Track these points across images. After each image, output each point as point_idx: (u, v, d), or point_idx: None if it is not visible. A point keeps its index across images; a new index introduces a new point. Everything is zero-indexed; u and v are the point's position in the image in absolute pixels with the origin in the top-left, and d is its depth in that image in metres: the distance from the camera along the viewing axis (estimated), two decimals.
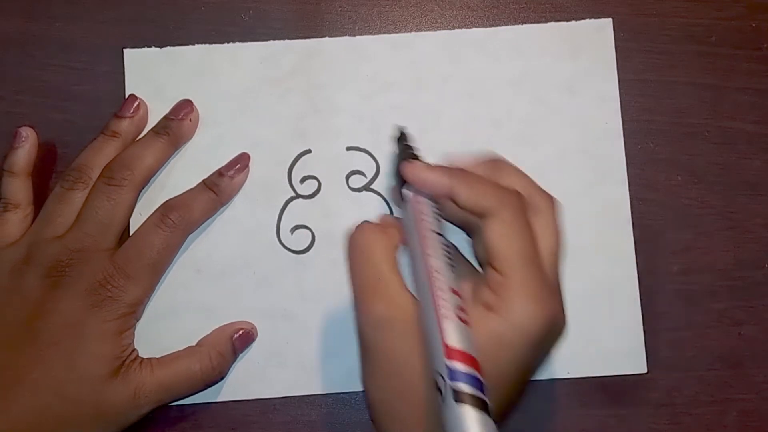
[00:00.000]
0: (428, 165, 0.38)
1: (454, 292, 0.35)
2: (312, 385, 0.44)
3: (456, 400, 0.31)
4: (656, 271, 0.45)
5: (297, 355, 0.44)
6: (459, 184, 0.37)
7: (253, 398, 0.44)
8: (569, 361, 0.44)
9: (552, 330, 0.36)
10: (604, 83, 0.46)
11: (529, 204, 0.38)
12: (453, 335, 0.33)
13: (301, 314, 0.44)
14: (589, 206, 0.45)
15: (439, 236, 0.37)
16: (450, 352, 0.32)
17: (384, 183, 0.46)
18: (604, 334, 0.44)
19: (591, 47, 0.47)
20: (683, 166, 0.46)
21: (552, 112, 0.46)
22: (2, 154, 0.45)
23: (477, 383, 0.32)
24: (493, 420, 0.31)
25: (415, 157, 0.40)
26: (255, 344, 0.44)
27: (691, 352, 0.45)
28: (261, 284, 0.45)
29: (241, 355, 0.44)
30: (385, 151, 0.46)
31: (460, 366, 0.32)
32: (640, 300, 0.45)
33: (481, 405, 0.31)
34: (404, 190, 0.39)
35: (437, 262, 0.35)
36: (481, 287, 0.36)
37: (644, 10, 0.47)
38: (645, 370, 0.44)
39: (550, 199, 0.39)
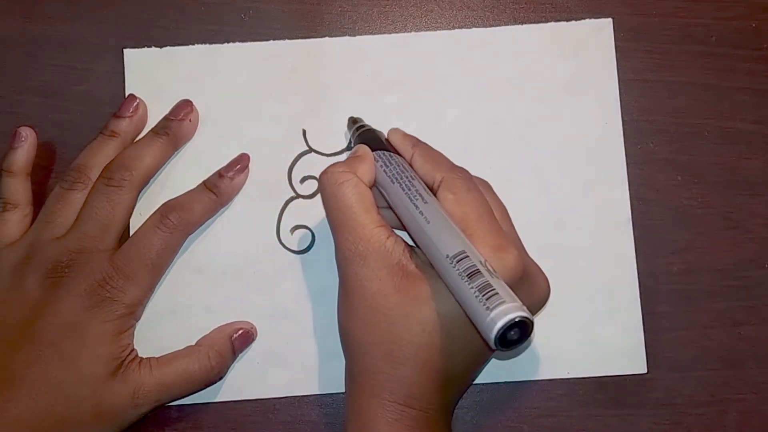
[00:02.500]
0: (404, 133, 0.43)
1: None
2: (312, 385, 0.44)
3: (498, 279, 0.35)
4: (656, 271, 0.45)
5: (297, 355, 0.44)
6: (418, 154, 0.41)
7: (253, 398, 0.44)
8: (569, 361, 0.44)
9: (519, 278, 0.37)
10: (604, 83, 0.46)
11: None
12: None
13: (301, 314, 0.44)
14: (589, 206, 0.45)
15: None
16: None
17: None
18: (604, 334, 0.44)
19: (591, 47, 0.47)
20: (683, 166, 0.46)
21: (552, 112, 0.46)
22: (2, 154, 0.45)
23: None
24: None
25: (374, 132, 0.44)
26: (255, 344, 0.44)
27: (691, 352, 0.45)
28: (261, 284, 0.45)
29: (241, 355, 0.44)
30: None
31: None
32: (640, 300, 0.45)
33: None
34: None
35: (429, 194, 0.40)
36: None
37: (644, 10, 0.47)
38: (645, 370, 0.44)
39: (487, 182, 0.43)
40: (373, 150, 0.42)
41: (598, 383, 0.44)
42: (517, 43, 0.47)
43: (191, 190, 0.44)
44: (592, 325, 0.44)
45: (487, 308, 0.33)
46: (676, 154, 0.46)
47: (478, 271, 0.35)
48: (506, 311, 0.33)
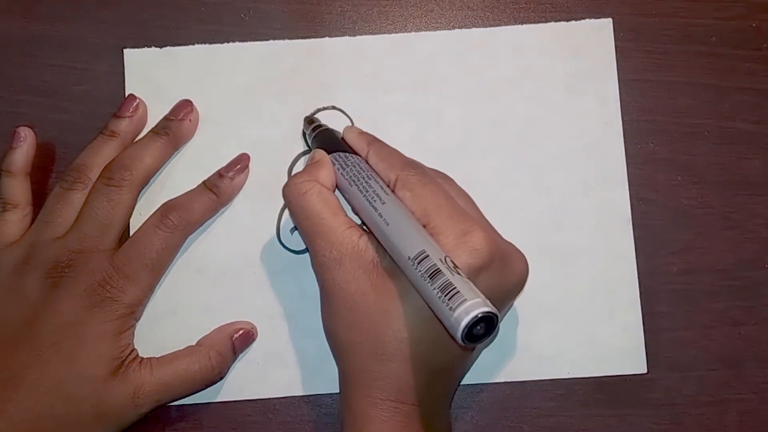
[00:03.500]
0: (359, 132, 0.44)
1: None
2: (312, 385, 0.44)
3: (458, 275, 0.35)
4: (656, 271, 0.45)
5: (297, 355, 0.44)
6: (373, 152, 0.42)
7: (253, 398, 0.44)
8: (569, 361, 0.44)
9: (491, 259, 0.38)
10: (604, 83, 0.46)
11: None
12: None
13: (301, 314, 0.44)
14: (589, 206, 0.45)
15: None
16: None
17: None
18: (604, 334, 0.44)
19: (591, 47, 0.47)
20: (683, 166, 0.46)
21: (552, 112, 0.46)
22: (2, 154, 0.45)
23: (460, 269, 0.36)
24: None
25: (330, 132, 0.44)
26: (255, 344, 0.44)
27: (691, 352, 0.45)
28: (261, 284, 0.45)
29: (241, 355, 0.44)
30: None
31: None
32: (640, 300, 0.45)
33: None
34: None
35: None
36: None
37: (644, 10, 0.47)
38: (645, 370, 0.44)
39: (446, 175, 0.43)
40: (329, 152, 0.42)
41: (598, 383, 0.44)
42: (517, 43, 0.47)
43: (191, 190, 0.44)
44: (592, 325, 0.44)
45: (450, 308, 0.34)
46: (676, 154, 0.46)
47: (438, 271, 0.35)
48: (468, 309, 0.34)
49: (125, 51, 0.47)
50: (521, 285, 0.41)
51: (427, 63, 0.47)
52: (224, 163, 0.45)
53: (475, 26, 0.47)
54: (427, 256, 0.36)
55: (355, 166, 0.41)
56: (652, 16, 0.47)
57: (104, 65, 0.47)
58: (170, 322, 0.44)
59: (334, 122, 0.46)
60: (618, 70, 0.46)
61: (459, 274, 0.35)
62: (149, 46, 0.47)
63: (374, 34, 0.47)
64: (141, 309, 0.43)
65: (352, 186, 0.40)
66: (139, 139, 0.45)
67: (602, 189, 0.46)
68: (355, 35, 0.47)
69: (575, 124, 0.46)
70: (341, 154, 0.42)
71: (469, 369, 0.44)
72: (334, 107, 0.46)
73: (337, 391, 0.44)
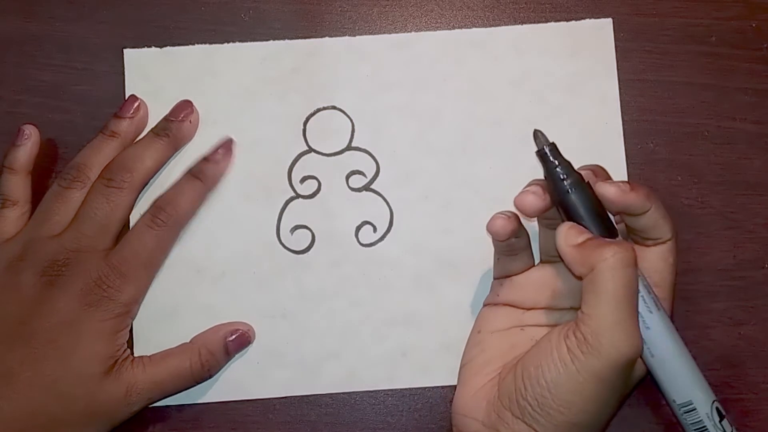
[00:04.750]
0: (623, 185, 0.38)
1: None
2: (312, 385, 0.44)
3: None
4: None
5: (297, 355, 0.44)
6: (655, 207, 0.38)
7: (253, 398, 0.44)
8: None
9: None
10: (604, 83, 0.46)
11: None
12: None
13: (301, 314, 0.44)
14: None
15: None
16: None
17: (383, 182, 0.45)
18: None
19: (591, 47, 0.47)
20: (683, 166, 0.46)
21: (552, 112, 0.46)
22: (2, 154, 0.45)
23: None
24: None
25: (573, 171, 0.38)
26: (255, 344, 0.44)
27: (691, 352, 0.45)
28: (261, 284, 0.45)
29: (241, 355, 0.44)
30: (386, 151, 0.46)
31: None
32: None
33: None
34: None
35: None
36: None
37: (644, 10, 0.47)
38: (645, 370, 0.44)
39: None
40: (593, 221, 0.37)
41: None
42: (517, 43, 0.47)
43: (178, 182, 0.44)
44: None
45: None
46: (676, 154, 0.46)
47: (705, 429, 0.36)
48: None
49: (125, 51, 0.47)
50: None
51: (427, 63, 0.47)
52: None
53: (475, 26, 0.47)
54: (694, 409, 0.36)
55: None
56: (652, 16, 0.47)
57: (104, 65, 0.47)
58: (170, 322, 0.44)
59: (334, 122, 0.46)
60: (618, 70, 0.46)
61: (722, 425, 0.35)
62: (149, 46, 0.47)
63: (374, 34, 0.47)
64: (137, 308, 0.43)
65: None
66: (139, 140, 0.45)
67: None
68: (355, 35, 0.47)
69: (575, 124, 0.46)
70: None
71: None
72: (334, 107, 0.46)
73: (337, 391, 0.44)
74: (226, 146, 0.45)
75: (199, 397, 0.44)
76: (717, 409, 0.35)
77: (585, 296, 0.35)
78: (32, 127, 0.44)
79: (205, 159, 0.44)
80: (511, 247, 0.40)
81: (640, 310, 0.36)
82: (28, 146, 0.44)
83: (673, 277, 0.40)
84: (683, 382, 0.36)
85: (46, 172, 0.46)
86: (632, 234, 0.40)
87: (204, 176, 0.44)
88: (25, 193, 0.44)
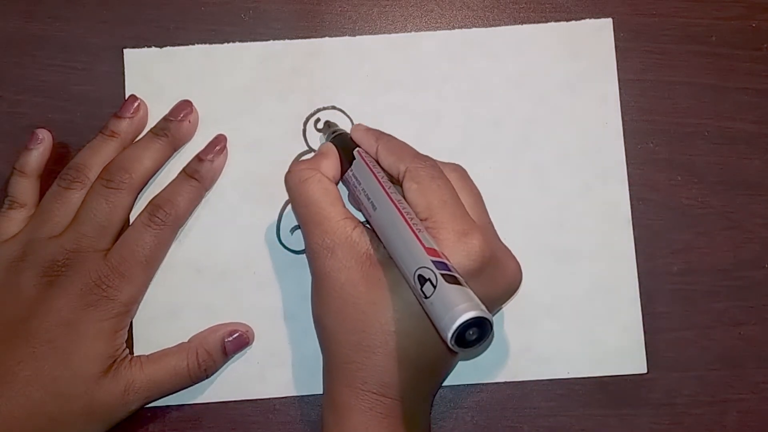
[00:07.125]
0: (366, 128, 0.43)
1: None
2: (312, 385, 0.44)
3: (448, 283, 0.34)
4: (656, 271, 0.45)
5: (297, 355, 0.44)
6: (382, 146, 0.42)
7: (253, 398, 0.44)
8: (569, 361, 0.44)
9: (485, 263, 0.38)
10: (604, 83, 0.46)
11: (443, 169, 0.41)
12: (428, 240, 0.37)
13: (301, 314, 0.44)
14: (589, 206, 0.45)
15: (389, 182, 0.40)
16: (430, 252, 0.36)
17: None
18: (604, 334, 0.44)
19: (591, 47, 0.47)
20: (683, 166, 0.46)
21: (552, 112, 0.46)
22: (2, 154, 0.45)
23: (454, 270, 0.35)
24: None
25: (346, 135, 0.44)
26: (255, 344, 0.44)
27: (691, 352, 0.45)
28: (261, 284, 0.45)
29: (241, 356, 0.44)
30: None
31: (442, 260, 0.36)
32: (640, 300, 0.45)
33: (463, 284, 0.35)
34: (354, 151, 0.42)
35: (396, 195, 0.39)
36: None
37: (644, 10, 0.47)
38: (645, 370, 0.44)
39: (460, 167, 0.43)
40: (346, 154, 0.42)
41: (598, 383, 0.44)
42: (517, 43, 0.47)
43: (173, 181, 0.44)
44: (592, 325, 0.44)
45: (442, 309, 0.33)
46: (676, 154, 0.46)
47: (432, 270, 0.35)
48: (461, 311, 0.32)
49: (125, 51, 0.47)
50: (512, 292, 0.41)
51: (427, 63, 0.47)
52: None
53: (475, 26, 0.47)
54: (423, 266, 0.35)
55: (364, 169, 0.41)
56: (652, 16, 0.47)
57: (104, 65, 0.47)
58: (170, 322, 0.44)
59: (334, 122, 0.46)
60: (618, 70, 0.46)
61: (455, 275, 0.35)
62: (149, 46, 0.47)
63: (374, 34, 0.47)
64: (136, 307, 0.43)
65: (360, 184, 0.41)
66: (139, 140, 0.45)
67: (602, 189, 0.46)
68: (355, 35, 0.47)
69: (575, 124, 0.46)
70: (357, 162, 0.42)
71: (454, 368, 0.43)
72: (334, 107, 0.46)
73: None
74: (219, 143, 0.45)
75: (199, 397, 0.44)
76: (419, 276, 0.35)
77: None
78: (46, 131, 0.45)
79: (199, 158, 0.45)
80: None
81: (380, 184, 0.39)
82: (40, 150, 0.44)
83: (439, 200, 0.39)
84: (399, 263, 0.37)
85: (46, 171, 0.46)
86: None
87: (199, 175, 0.44)
88: (33, 197, 0.44)
